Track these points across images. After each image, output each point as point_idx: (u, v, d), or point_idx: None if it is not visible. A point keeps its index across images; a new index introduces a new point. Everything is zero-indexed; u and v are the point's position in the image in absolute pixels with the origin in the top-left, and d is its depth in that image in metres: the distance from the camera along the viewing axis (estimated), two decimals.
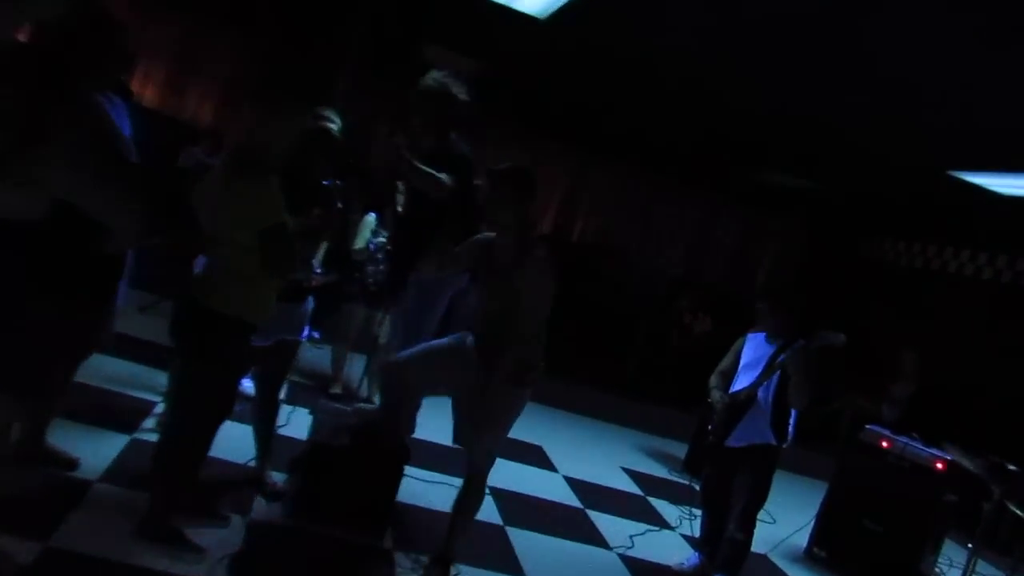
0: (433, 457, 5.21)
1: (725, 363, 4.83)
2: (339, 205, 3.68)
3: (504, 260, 3.75)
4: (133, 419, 4.59)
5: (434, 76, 4.32)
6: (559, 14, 5.82)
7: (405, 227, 4.57)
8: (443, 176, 4.15)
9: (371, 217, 6.12)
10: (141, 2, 9.81)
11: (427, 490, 4.81)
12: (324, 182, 4.69)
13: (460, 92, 4.30)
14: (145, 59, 9.80)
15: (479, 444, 3.79)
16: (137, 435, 4.40)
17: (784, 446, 4.56)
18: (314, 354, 7.23)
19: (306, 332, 4.47)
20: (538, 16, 6.01)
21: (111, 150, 2.89)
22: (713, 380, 4.81)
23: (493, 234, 3.82)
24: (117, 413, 4.58)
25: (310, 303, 4.44)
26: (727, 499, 4.58)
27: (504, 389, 3.64)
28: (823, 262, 11.35)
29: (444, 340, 3.99)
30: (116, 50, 3.09)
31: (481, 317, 3.84)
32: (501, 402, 3.68)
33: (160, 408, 4.79)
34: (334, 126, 4.80)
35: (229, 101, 10.02)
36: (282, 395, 4.62)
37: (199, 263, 3.63)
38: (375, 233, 6.06)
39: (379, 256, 6.01)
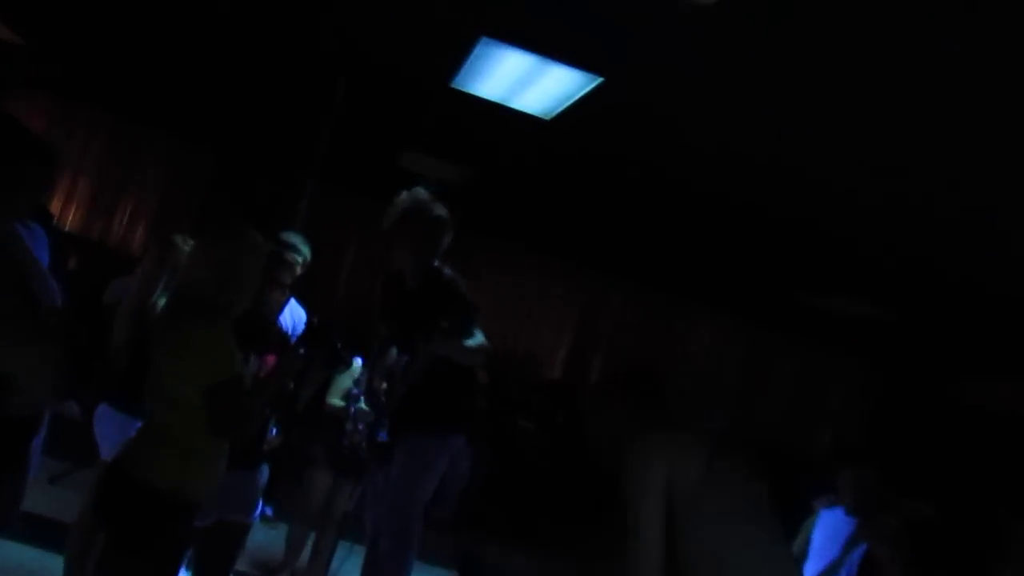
0: None
1: (795, 545, 4.78)
2: (300, 351, 3.72)
3: None
4: None
5: (414, 194, 4.44)
6: (568, 114, 6.02)
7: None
8: (481, 341, 4.29)
9: (355, 361, 6.11)
10: (60, 108, 10.16)
11: None
12: (280, 323, 4.77)
13: (443, 214, 4.42)
14: (67, 175, 10.07)
15: None
16: None
17: None
18: (267, 536, 7.13)
19: (258, 510, 4.44)
20: (542, 116, 6.21)
21: (24, 294, 2.93)
22: None
23: None
24: None
25: (264, 472, 4.43)
26: None
27: None
28: (905, 411, 11.30)
29: None
30: (33, 170, 3.15)
31: None
32: None
33: None
34: (299, 256, 4.92)
35: (166, 222, 10.24)
36: None
37: (129, 425, 3.64)
38: (358, 382, 5.99)
39: (360, 413, 5.95)
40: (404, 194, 4.47)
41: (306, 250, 5.00)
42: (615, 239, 9.65)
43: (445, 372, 4.33)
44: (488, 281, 10.83)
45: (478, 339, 4.31)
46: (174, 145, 10.30)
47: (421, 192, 4.45)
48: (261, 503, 4.47)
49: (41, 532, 5.59)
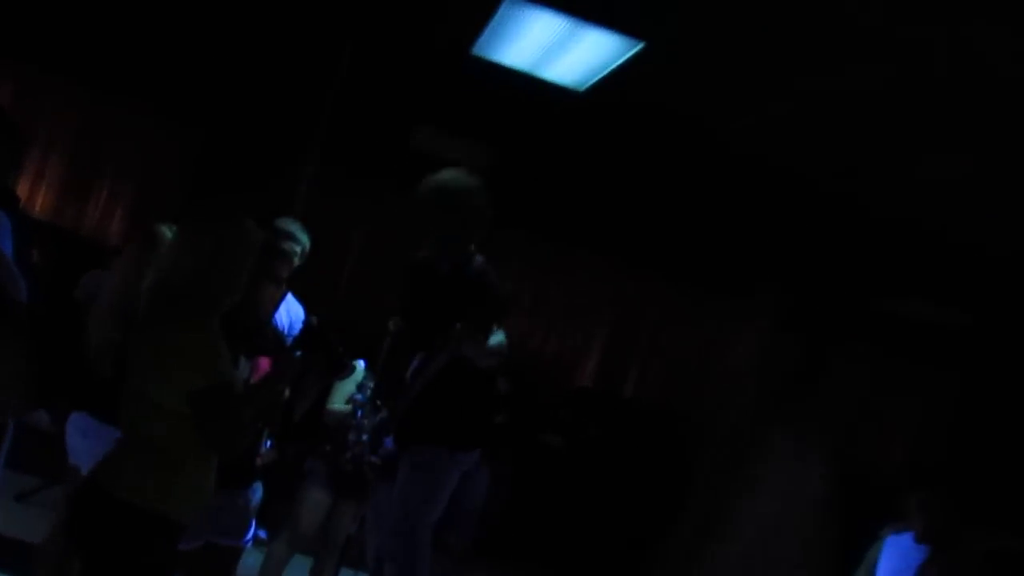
0: None
1: None
2: (297, 353, 3.72)
3: None
4: None
5: (451, 175, 4.44)
6: (605, 85, 6.00)
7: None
8: (500, 341, 4.32)
9: (359, 365, 6.11)
10: (29, 83, 10.19)
11: None
12: (276, 322, 4.78)
13: (483, 198, 4.42)
14: (36, 156, 10.11)
15: None
16: None
17: None
18: (259, 562, 7.13)
19: (250, 533, 4.45)
20: (575, 88, 6.20)
21: None
22: None
23: None
24: None
25: (258, 490, 4.43)
26: None
27: None
28: (987, 426, 11.22)
29: None
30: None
31: None
32: None
33: None
34: (297, 246, 4.93)
35: (148, 208, 10.28)
36: None
37: (107, 436, 3.64)
38: (361, 387, 6.00)
39: (364, 422, 5.95)
40: (444, 171, 4.47)
41: (305, 239, 4.99)
42: (657, 229, 9.62)
43: (459, 376, 4.33)
44: (510, 277, 10.81)
45: (499, 339, 4.31)
46: (157, 121, 10.31)
47: (456, 174, 4.45)
48: (254, 525, 4.48)
49: (6, 556, 5.61)
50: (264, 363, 4.16)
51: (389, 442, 4.64)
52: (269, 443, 4.65)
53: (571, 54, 5.64)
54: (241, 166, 9.28)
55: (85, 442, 4.18)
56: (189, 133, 10.21)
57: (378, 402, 5.26)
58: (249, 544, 4.52)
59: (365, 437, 5.91)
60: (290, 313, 5.00)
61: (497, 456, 8.60)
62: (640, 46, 5.26)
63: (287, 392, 4.30)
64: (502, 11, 5.28)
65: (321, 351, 3.73)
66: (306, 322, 4.59)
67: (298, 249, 4.95)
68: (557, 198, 9.59)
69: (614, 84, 5.87)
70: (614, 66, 5.60)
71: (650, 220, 9.29)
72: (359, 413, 5.93)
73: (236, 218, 3.45)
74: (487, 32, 5.63)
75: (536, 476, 9.94)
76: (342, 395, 6.00)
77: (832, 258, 8.90)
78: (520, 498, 9.71)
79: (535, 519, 9.73)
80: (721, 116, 6.24)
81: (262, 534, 7.48)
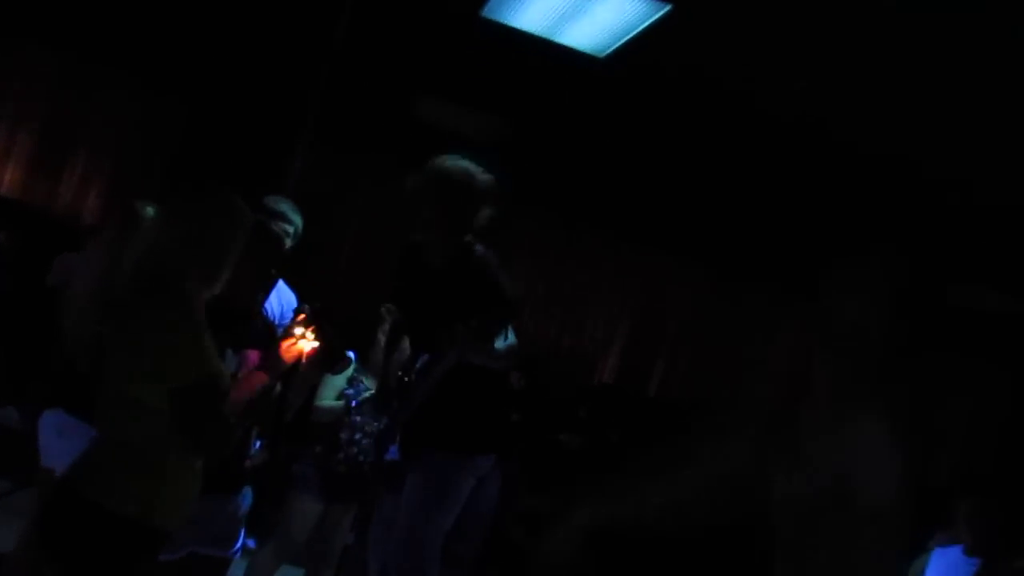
0: None
1: None
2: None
3: None
4: None
5: (453, 159, 4.45)
6: (627, 51, 5.99)
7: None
8: (511, 342, 4.32)
9: (351, 358, 6.10)
10: None
11: None
12: (266, 310, 4.78)
13: (486, 182, 4.44)
14: (4, 128, 10.13)
15: None
16: None
17: None
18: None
19: (239, 543, 4.46)
20: (595, 54, 6.19)
21: None
22: None
23: None
24: None
25: (247, 496, 4.44)
26: None
27: None
28: None
29: None
30: None
31: None
32: None
33: None
34: (289, 227, 4.94)
35: (126, 185, 10.31)
36: None
37: (84, 435, 3.66)
38: (353, 381, 6.01)
39: (358, 419, 5.97)
40: (442, 159, 4.49)
41: (297, 220, 5.00)
42: (686, 209, 9.60)
43: (470, 376, 4.35)
44: (524, 262, 10.82)
45: (508, 341, 4.32)
46: (136, 91, 10.32)
47: (463, 159, 4.47)
48: (243, 534, 4.50)
49: None
50: (253, 356, 4.17)
51: (394, 451, 4.65)
52: (259, 444, 4.65)
53: (590, 17, 5.63)
54: (228, 140, 9.29)
55: (60, 442, 4.20)
56: (171, 104, 10.22)
57: (379, 407, 5.28)
58: (237, 555, 4.53)
59: (358, 436, 5.94)
60: (281, 301, 5.01)
61: (510, 458, 8.63)
62: (667, 8, 5.25)
63: (278, 387, 4.32)
64: None
65: (318, 342, 3.75)
66: (299, 310, 4.60)
67: (290, 230, 4.96)
68: (575, 176, 9.57)
69: (638, 49, 5.86)
70: (639, 30, 5.59)
71: (679, 199, 9.27)
72: (353, 406, 5.96)
73: (223, 196, 3.46)
74: None
75: (552, 481, 9.95)
76: (332, 390, 6.01)
77: (888, 235, 8.87)
78: (533, 504, 9.73)
79: (548, 526, 9.73)
80: (759, 83, 6.22)
81: (251, 544, 7.50)
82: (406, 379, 4.64)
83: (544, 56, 6.35)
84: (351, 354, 6.07)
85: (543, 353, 10.56)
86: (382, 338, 5.53)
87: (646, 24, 5.47)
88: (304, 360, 3.84)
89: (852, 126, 6.49)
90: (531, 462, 9.52)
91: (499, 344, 4.25)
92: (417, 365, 4.56)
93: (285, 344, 3.81)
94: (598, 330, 11.37)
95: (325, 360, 3.91)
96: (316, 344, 3.80)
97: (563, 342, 11.13)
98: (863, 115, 6.17)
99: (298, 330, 3.83)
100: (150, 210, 4.14)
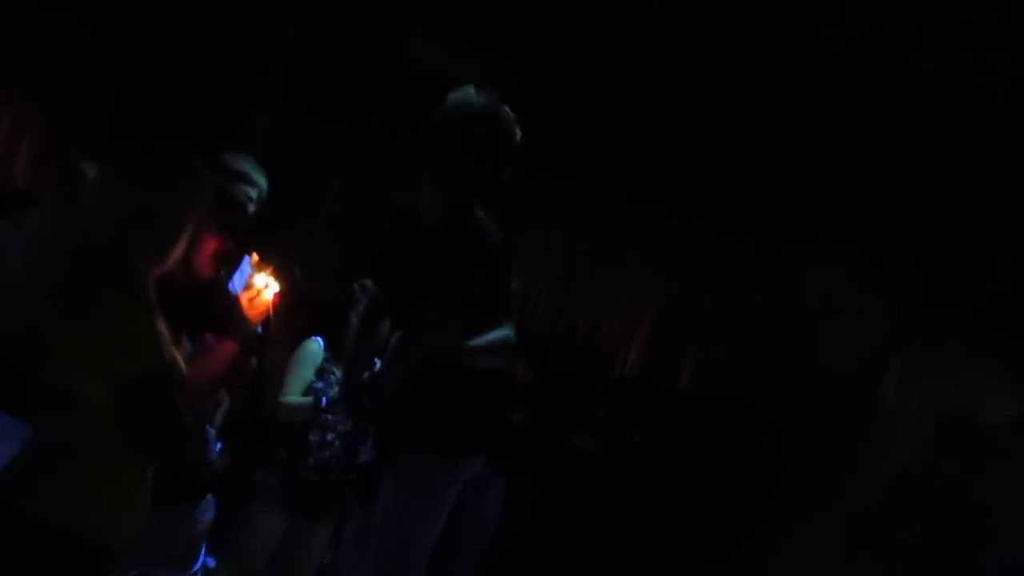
0: None
1: None
2: (257, 329, 3.72)
3: None
4: None
5: (474, 96, 4.40)
6: None
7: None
8: (508, 334, 4.25)
9: (315, 345, 6.09)
10: None
11: None
12: (230, 288, 4.77)
13: (512, 126, 4.40)
14: None
15: None
16: None
17: None
18: None
19: (198, 563, 4.47)
20: None
21: None
22: None
23: None
24: None
25: (209, 508, 4.45)
26: None
27: None
28: None
29: None
30: None
31: None
32: None
33: None
34: (252, 191, 4.91)
35: (63, 142, 10.29)
36: None
37: (16, 436, 3.66)
38: (323, 373, 5.99)
39: (329, 418, 5.95)
40: (464, 89, 4.42)
41: (262, 182, 4.99)
42: (724, 170, 9.56)
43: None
44: (532, 235, 10.82)
45: (503, 332, 4.26)
46: (76, 31, 10.32)
47: (473, 91, 4.41)
48: (203, 553, 4.50)
49: None
50: (212, 343, 4.16)
51: (366, 453, 4.64)
52: (219, 447, 4.65)
53: None
54: (180, 88, 9.27)
55: None
56: (116, 47, 10.20)
57: (346, 403, 5.25)
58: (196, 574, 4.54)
59: (330, 437, 5.90)
60: (244, 276, 5.00)
61: (514, 464, 8.61)
62: None
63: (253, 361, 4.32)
64: None
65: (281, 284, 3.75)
66: (248, 250, 4.58)
67: (253, 194, 4.95)
68: (593, 132, 9.54)
69: None
70: None
71: (714, 159, 9.23)
72: (323, 404, 5.91)
73: (176, 155, 3.44)
74: None
75: (563, 490, 9.96)
76: (299, 383, 5.97)
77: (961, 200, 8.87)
78: (542, 517, 9.73)
79: (562, 544, 9.75)
80: (811, 20, 6.20)
81: (212, 563, 7.51)
82: (376, 369, 4.63)
83: None
84: (319, 340, 6.08)
85: (554, 341, 10.54)
86: (355, 321, 5.52)
87: None
88: (273, 313, 3.83)
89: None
90: (539, 468, 9.51)
91: (498, 335, 4.21)
92: (391, 353, 4.55)
93: (247, 298, 3.79)
94: (618, 314, 11.37)
95: (295, 308, 3.89)
96: (280, 288, 3.78)
97: (578, 328, 11.13)
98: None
99: (259, 278, 3.82)
100: (94, 173, 4.13)
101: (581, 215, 11.01)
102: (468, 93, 4.39)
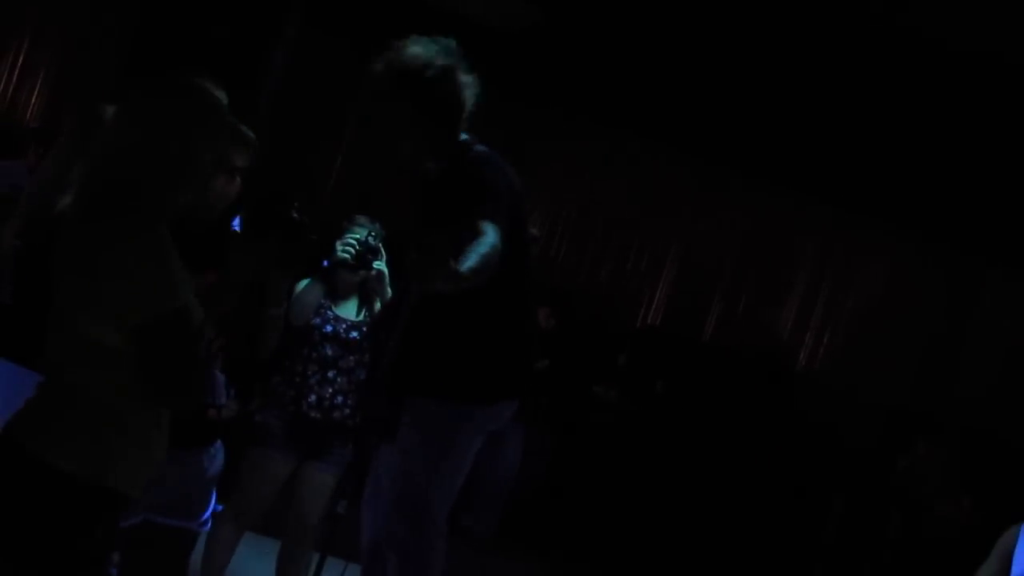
0: None
1: (985, 571, 4.85)
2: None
3: None
4: None
5: (412, 50, 4.39)
6: None
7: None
8: (485, 251, 4.05)
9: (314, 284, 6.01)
10: None
11: None
12: (233, 224, 4.76)
13: (464, 77, 4.38)
14: None
15: None
16: None
17: None
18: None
19: (208, 511, 4.47)
20: None
21: None
22: None
23: None
24: None
25: (219, 454, 4.45)
26: None
27: None
28: None
29: None
30: None
31: None
32: None
33: None
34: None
35: (76, 80, 10.29)
36: None
37: (27, 383, 3.67)
38: (320, 310, 5.86)
39: (329, 353, 5.84)
40: (398, 46, 4.44)
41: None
42: (748, 116, 9.53)
43: (473, 302, 4.13)
44: (554, 178, 10.79)
45: (487, 243, 3.99)
46: None
47: (420, 46, 4.40)
48: (213, 500, 4.51)
49: None
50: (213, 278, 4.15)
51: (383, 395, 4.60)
52: (231, 392, 4.64)
53: None
54: (198, 26, 9.26)
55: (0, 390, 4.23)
56: None
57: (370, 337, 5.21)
58: (206, 528, 4.53)
59: (331, 374, 5.82)
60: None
61: (534, 414, 8.63)
62: None
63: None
64: None
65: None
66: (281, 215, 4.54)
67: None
68: (616, 70, 9.50)
69: None
70: None
71: (742, 103, 9.19)
72: (327, 331, 5.83)
73: (191, 85, 3.42)
74: None
75: (584, 441, 9.97)
76: (305, 303, 5.81)
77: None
78: (563, 469, 9.75)
79: (582, 497, 9.77)
80: None
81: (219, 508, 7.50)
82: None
83: None
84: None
85: (577, 288, 10.53)
86: (339, 247, 5.51)
87: None
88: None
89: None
90: (558, 419, 9.51)
91: (475, 255, 3.91)
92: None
93: None
94: (643, 262, 11.35)
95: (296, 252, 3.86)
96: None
97: (600, 276, 11.12)
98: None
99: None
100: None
101: (604, 159, 10.97)
102: (400, 47, 4.46)
